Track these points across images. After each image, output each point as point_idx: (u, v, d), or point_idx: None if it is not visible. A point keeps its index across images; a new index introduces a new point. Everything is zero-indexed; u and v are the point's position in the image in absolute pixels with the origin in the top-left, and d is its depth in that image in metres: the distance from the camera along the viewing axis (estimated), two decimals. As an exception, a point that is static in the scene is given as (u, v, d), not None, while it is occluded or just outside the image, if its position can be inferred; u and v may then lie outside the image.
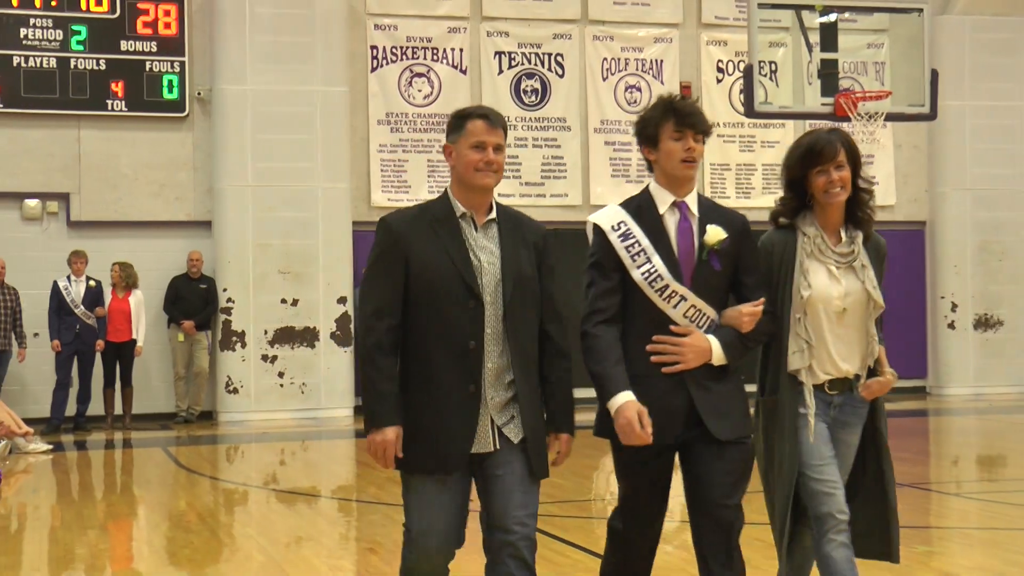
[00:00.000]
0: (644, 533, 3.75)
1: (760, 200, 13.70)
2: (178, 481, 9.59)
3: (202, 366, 12.67)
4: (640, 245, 3.58)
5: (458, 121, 3.54)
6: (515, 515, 3.41)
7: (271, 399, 12.73)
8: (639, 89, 14.07)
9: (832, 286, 3.73)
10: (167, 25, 12.84)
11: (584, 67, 14.14)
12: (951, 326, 15.09)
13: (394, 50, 13.38)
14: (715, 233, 3.60)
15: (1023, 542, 6.99)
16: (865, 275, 3.77)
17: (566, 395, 3.63)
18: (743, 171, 14.30)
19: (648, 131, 3.65)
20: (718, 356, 3.59)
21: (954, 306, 15.12)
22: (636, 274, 3.57)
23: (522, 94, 13.75)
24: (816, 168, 3.66)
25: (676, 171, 3.60)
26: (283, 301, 12.74)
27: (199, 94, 12.85)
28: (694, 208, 3.67)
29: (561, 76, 13.74)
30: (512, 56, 13.67)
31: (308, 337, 12.80)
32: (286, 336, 12.75)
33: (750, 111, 11.45)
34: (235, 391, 12.65)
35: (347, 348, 12.88)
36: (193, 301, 12.57)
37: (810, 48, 11.59)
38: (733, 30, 13.92)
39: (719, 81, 14.36)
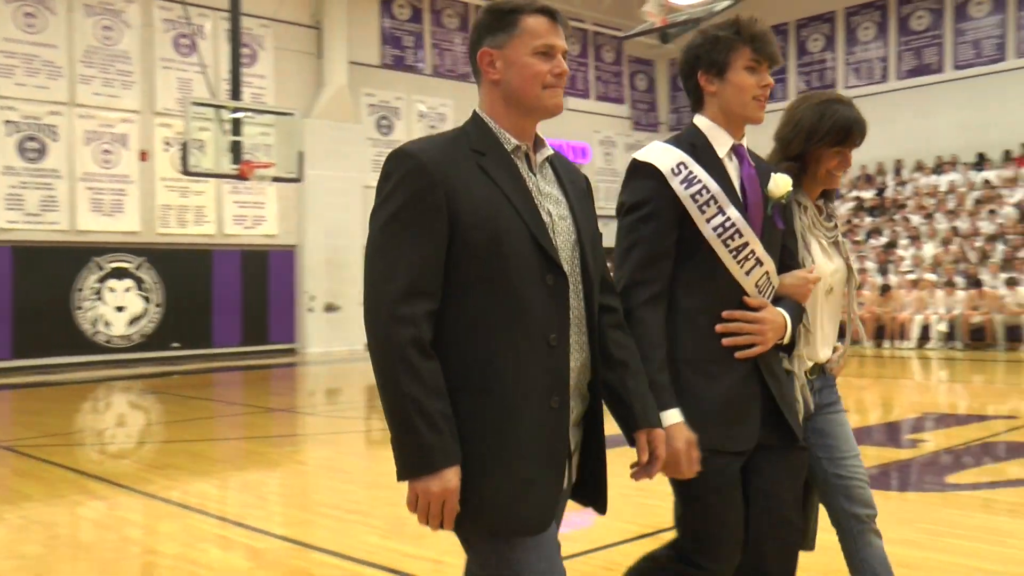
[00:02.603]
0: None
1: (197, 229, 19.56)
2: None
3: None
4: (709, 192, 2.49)
5: (506, 17, 2.18)
6: None
7: None
8: (112, 152, 18.52)
9: (826, 262, 2.94)
10: None
11: (72, 136, 18.18)
12: (311, 310, 20.60)
13: (-71, 115, 16.95)
14: (784, 183, 2.64)
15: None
16: (846, 250, 3.05)
17: (644, 379, 2.34)
18: (178, 210, 19.40)
19: (716, 55, 2.56)
20: (788, 334, 2.61)
21: (313, 297, 20.58)
22: (707, 229, 2.48)
23: (23, 152, 17.72)
24: (841, 147, 2.89)
25: (746, 110, 2.57)
26: None
27: None
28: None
29: (56, 141, 18.07)
30: (19, 124, 17.75)
31: None
32: None
33: (185, 171, 15.45)
34: None
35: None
36: None
37: (225, 132, 15.56)
38: (175, 117, 18.55)
39: (166, 150, 19.05)
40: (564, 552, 2.29)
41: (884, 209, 23.63)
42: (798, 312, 2.68)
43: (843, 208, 24.19)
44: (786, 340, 2.63)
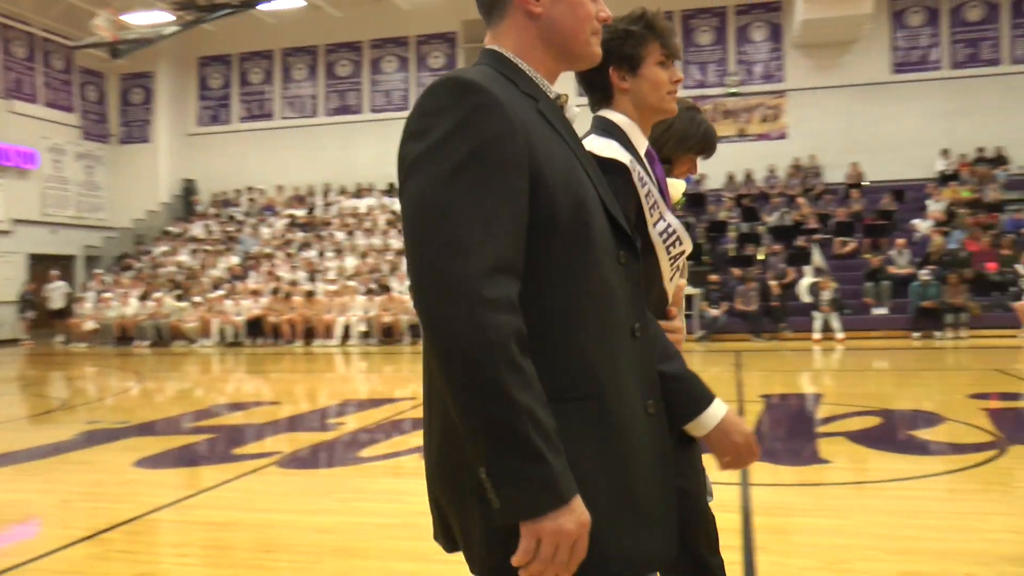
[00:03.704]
0: None
1: None
2: None
3: None
4: (654, 194, 2.13)
5: None
6: None
7: None
8: None
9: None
10: None
11: None
12: None
13: None
14: (680, 187, 2.53)
15: None
16: None
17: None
18: None
19: (628, 50, 2.21)
20: None
21: None
22: (654, 234, 2.12)
23: None
24: (699, 155, 2.69)
25: (663, 103, 2.21)
26: None
27: None
28: None
29: None
30: None
31: None
32: None
33: None
34: None
35: None
36: None
37: None
38: None
39: None
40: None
41: (313, 226, 24.46)
42: None
43: (279, 224, 24.66)
44: None
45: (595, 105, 2.28)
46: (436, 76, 20.67)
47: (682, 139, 2.61)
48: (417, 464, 6.58)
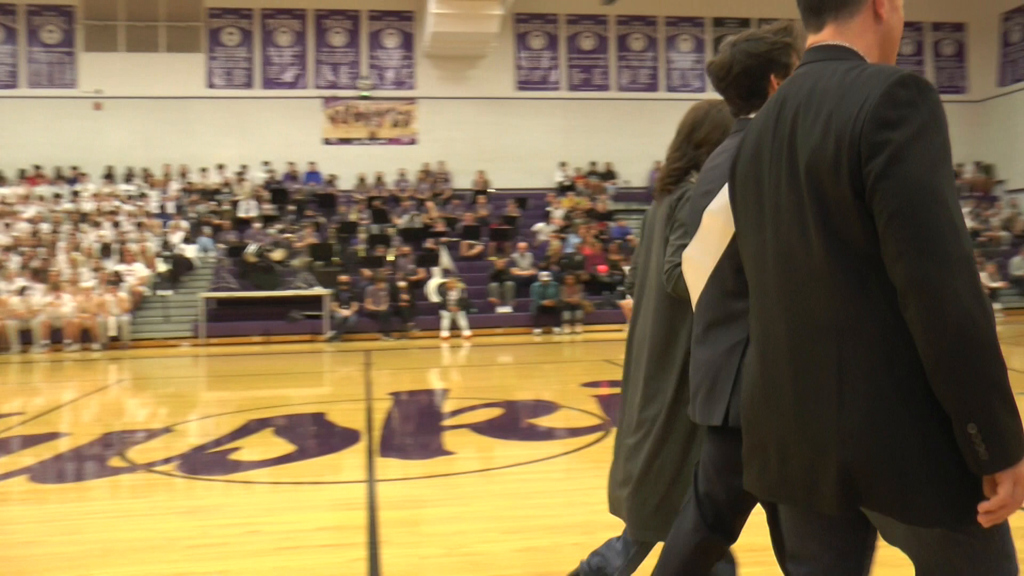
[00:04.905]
0: None
1: None
2: None
3: None
4: None
5: None
6: None
7: None
8: None
9: None
10: None
11: None
12: None
13: None
14: None
15: None
16: None
17: None
18: None
19: (784, 59, 2.31)
20: None
21: None
22: None
23: None
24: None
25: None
26: None
27: None
28: None
29: None
30: None
31: None
32: None
33: None
34: None
35: None
36: None
37: None
38: None
39: None
40: None
41: None
42: None
43: None
44: None
45: (743, 110, 2.42)
46: (51, 52, 18.59)
47: (725, 130, 2.82)
48: (26, 488, 5.97)
